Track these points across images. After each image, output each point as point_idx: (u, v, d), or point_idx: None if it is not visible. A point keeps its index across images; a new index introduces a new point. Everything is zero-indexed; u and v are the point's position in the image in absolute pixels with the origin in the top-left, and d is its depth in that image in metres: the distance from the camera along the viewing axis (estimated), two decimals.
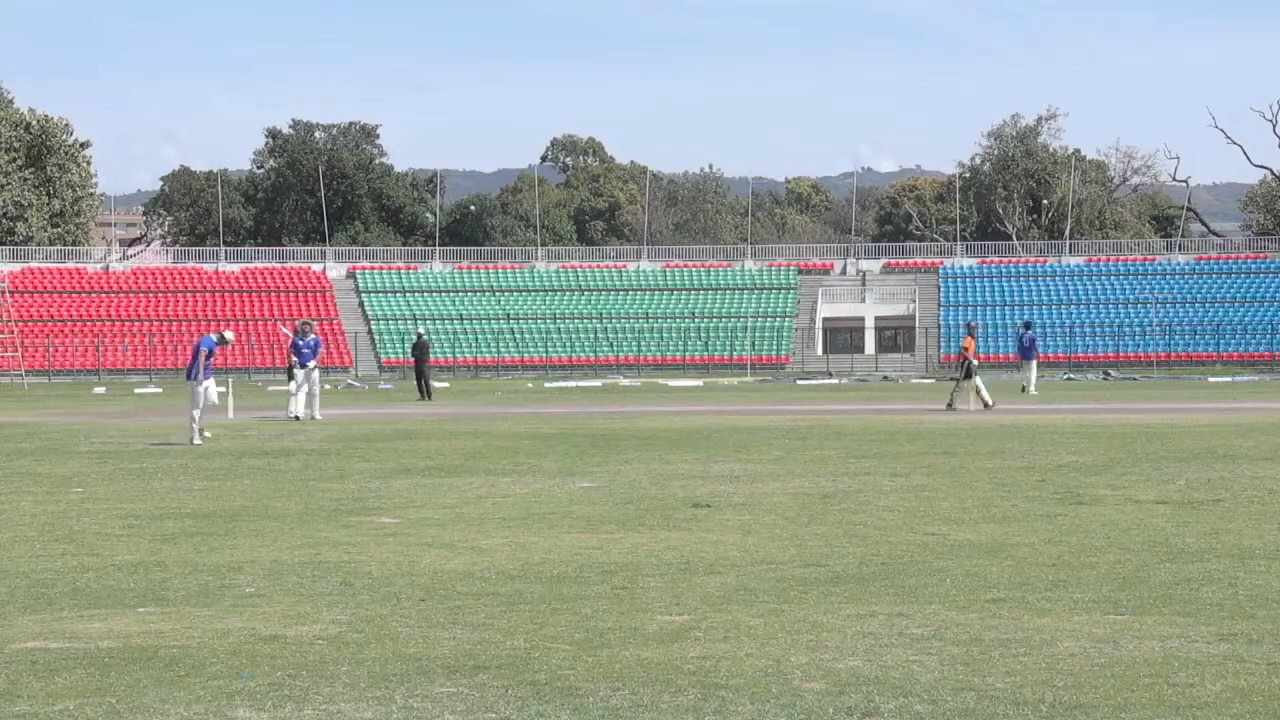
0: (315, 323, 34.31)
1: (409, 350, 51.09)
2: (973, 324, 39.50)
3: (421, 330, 54.25)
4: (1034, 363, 47.76)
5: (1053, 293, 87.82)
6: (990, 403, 34.69)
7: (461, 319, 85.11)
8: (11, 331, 76.42)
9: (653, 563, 11.07)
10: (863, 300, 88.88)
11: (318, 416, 32.04)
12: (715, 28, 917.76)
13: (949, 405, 34.84)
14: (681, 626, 8.47)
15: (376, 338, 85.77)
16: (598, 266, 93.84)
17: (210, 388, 26.01)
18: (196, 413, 25.44)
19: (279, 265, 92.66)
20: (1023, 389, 46.32)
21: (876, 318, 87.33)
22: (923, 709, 6.54)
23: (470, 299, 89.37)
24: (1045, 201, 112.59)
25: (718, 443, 23.98)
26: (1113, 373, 71.88)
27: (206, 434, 25.43)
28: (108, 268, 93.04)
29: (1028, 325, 51.16)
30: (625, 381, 67.73)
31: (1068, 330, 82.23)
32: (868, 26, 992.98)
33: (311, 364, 32.57)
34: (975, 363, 35.72)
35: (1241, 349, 79.84)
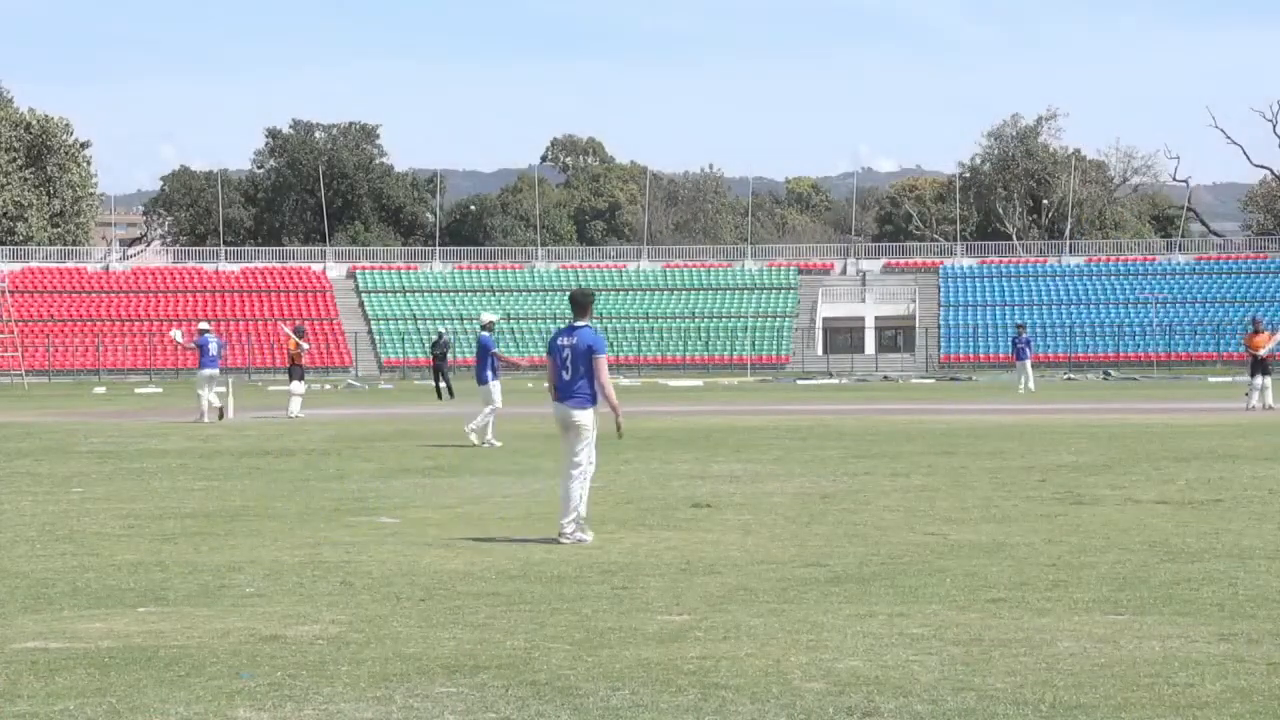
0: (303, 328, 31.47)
1: (429, 349, 50.81)
2: (1258, 319, 39.24)
3: (443, 329, 54.08)
4: (1028, 363, 48.55)
5: (1053, 293, 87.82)
6: (1256, 406, 33.36)
7: (461, 319, 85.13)
8: (11, 331, 76.42)
9: (653, 563, 11.07)
10: (863, 300, 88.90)
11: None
12: (715, 28, 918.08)
13: (1268, 406, 33.51)
14: (681, 626, 8.47)
15: (376, 338, 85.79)
16: (598, 266, 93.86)
17: (495, 388, 24.41)
18: (489, 412, 24.14)
19: (279, 265, 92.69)
20: (1029, 389, 46.87)
21: (876, 318, 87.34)
22: (923, 709, 6.54)
23: (470, 299, 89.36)
24: (1045, 201, 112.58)
25: (718, 443, 23.98)
26: (1113, 373, 71.88)
27: (485, 440, 23.69)
28: (108, 268, 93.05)
29: (1021, 327, 51.52)
30: (625, 381, 67.74)
31: (1068, 330, 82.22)
32: (868, 26, 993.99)
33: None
34: (1260, 356, 34.39)
35: (1241, 349, 79.77)
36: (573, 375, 12.53)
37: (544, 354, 25.14)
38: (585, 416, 12.52)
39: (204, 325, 34.21)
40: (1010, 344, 52.18)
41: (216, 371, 32.54)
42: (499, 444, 23.64)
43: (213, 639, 8.18)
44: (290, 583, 10.28)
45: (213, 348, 32.36)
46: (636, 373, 78.14)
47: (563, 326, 13.09)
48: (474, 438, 23.83)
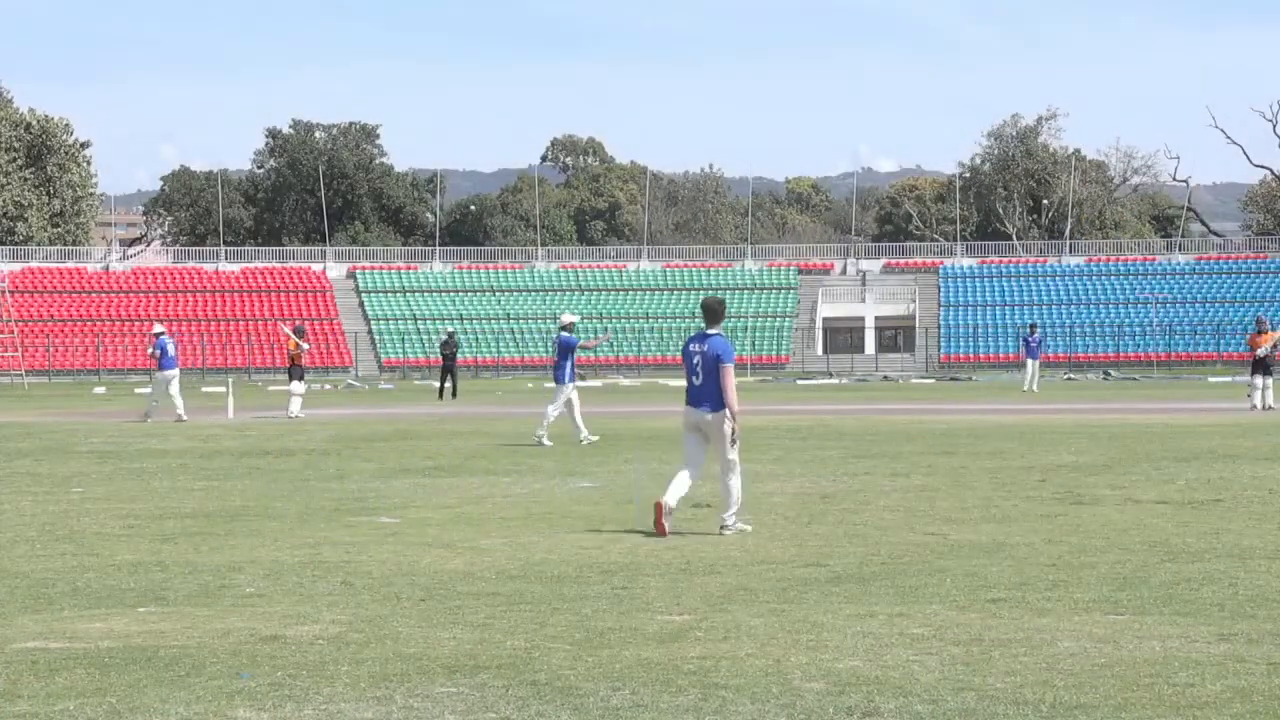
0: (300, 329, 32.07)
1: (439, 349, 50.59)
2: (1263, 318, 39.51)
3: (452, 329, 53.79)
4: (1037, 362, 48.52)
5: (1053, 293, 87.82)
6: (1257, 406, 33.19)
7: (461, 319, 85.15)
8: (11, 331, 76.42)
9: (653, 563, 11.07)
10: (863, 300, 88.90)
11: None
12: (715, 28, 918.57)
13: (1268, 406, 33.33)
14: (681, 626, 8.46)
15: (376, 338, 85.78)
16: (598, 266, 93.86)
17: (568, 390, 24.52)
18: (576, 413, 24.37)
19: (279, 265, 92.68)
20: (1033, 390, 46.92)
21: (876, 318, 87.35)
22: (923, 709, 6.54)
23: (470, 299, 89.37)
24: (1045, 201, 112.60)
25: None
26: (1113, 373, 71.88)
27: (539, 438, 23.87)
28: (108, 268, 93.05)
29: (1034, 327, 51.58)
30: (625, 381, 67.73)
31: (1068, 330, 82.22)
32: (868, 26, 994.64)
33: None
34: (1260, 356, 34.13)
35: (1241, 349, 79.76)
36: (704, 381, 13.05)
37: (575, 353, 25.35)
38: (719, 419, 12.99)
39: (159, 328, 34.63)
40: (1022, 342, 52.13)
41: (176, 371, 33.10)
42: (550, 444, 23.59)
43: (213, 639, 8.17)
44: (290, 583, 10.28)
45: (170, 348, 33.03)
46: (636, 373, 78.13)
47: (694, 333, 13.62)
48: (587, 436, 24.00)
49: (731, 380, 13.05)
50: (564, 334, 25.06)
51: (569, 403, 24.52)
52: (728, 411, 12.95)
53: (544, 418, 24.28)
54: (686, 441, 13.27)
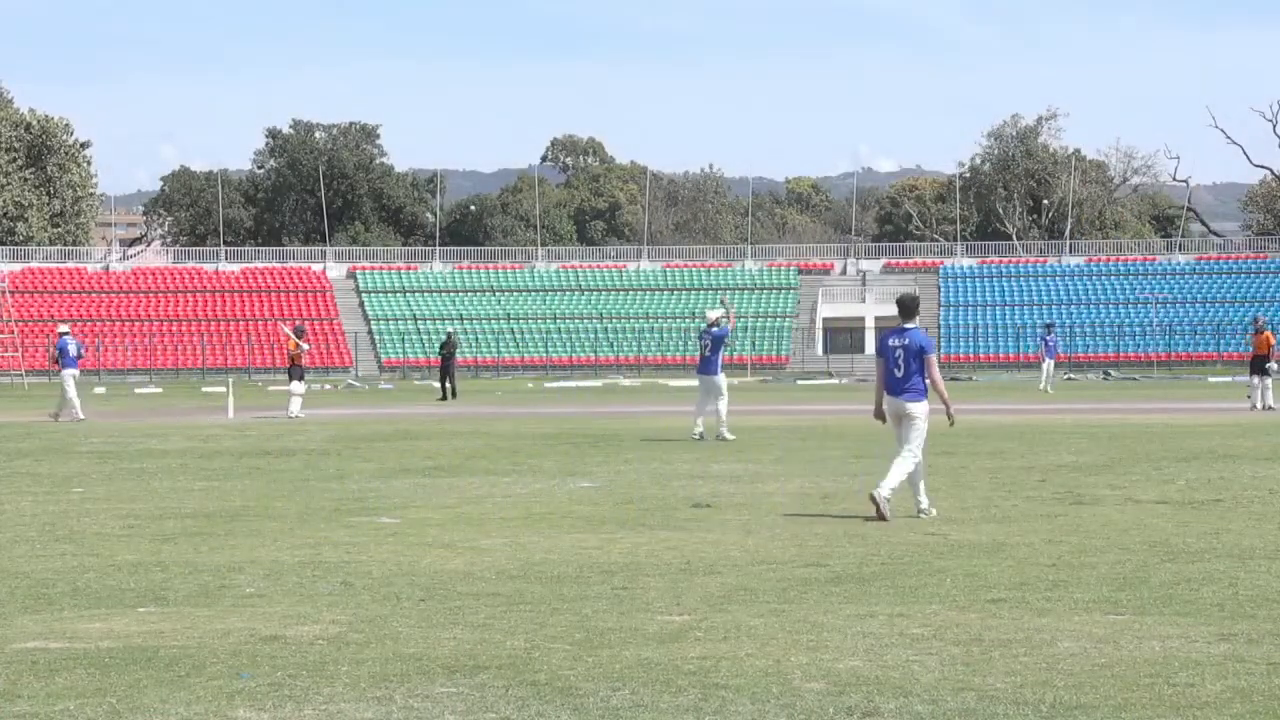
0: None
1: (438, 349, 50.52)
2: (1260, 318, 39.68)
3: (452, 329, 53.69)
4: (1052, 362, 48.75)
5: (1053, 293, 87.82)
6: (1257, 406, 33.54)
7: (461, 319, 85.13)
8: (11, 331, 76.38)
9: (653, 563, 11.06)
10: (863, 300, 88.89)
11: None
12: (715, 28, 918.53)
13: (1268, 406, 33.51)
14: (681, 626, 8.46)
15: (376, 338, 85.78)
16: (598, 266, 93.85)
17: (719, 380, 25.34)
18: (723, 404, 25.26)
19: (279, 265, 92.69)
20: (1048, 391, 46.99)
21: (877, 318, 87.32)
22: (923, 709, 6.54)
23: (470, 299, 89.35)
24: (1045, 201, 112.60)
25: (718, 443, 23.97)
26: (1113, 373, 71.88)
27: (699, 431, 24.99)
28: (108, 268, 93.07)
29: (1050, 326, 51.70)
30: (625, 381, 67.73)
31: (1068, 330, 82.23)
32: (868, 26, 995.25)
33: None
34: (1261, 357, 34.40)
35: (1241, 349, 79.81)
36: (905, 372, 13.95)
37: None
38: (918, 409, 13.98)
39: (63, 328, 35.09)
40: (1040, 342, 52.26)
41: (77, 372, 33.73)
42: (733, 437, 24.73)
43: (213, 639, 8.17)
44: (290, 583, 10.28)
45: (72, 349, 33.63)
46: (636, 373, 78.09)
47: (892, 328, 14.44)
48: (728, 434, 24.82)
49: (938, 370, 14.02)
50: (715, 329, 25.75)
51: (718, 395, 25.31)
52: (941, 399, 13.86)
53: (719, 416, 24.91)
54: (896, 431, 14.17)
